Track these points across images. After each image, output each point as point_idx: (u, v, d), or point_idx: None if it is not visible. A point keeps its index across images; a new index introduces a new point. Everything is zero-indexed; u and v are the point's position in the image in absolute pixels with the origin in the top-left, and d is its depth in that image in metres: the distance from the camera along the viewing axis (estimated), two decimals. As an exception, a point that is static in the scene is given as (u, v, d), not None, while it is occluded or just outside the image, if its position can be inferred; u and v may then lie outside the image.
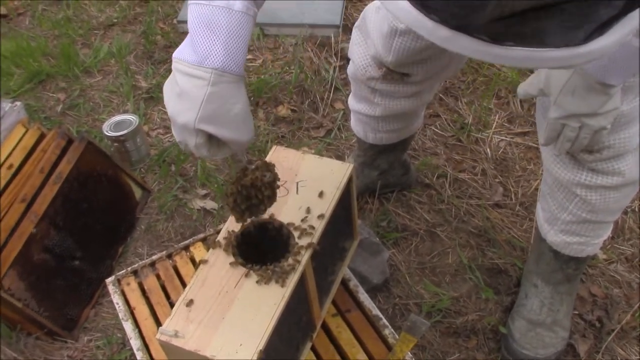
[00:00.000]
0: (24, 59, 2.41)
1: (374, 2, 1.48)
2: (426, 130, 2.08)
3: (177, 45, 2.37)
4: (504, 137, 2.05)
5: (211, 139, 0.98)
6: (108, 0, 2.77)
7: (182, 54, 0.95)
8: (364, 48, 1.47)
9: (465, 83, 2.24)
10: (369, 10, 1.47)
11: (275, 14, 2.54)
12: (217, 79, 0.92)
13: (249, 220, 1.16)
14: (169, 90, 0.98)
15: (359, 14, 2.56)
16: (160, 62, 2.42)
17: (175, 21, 2.58)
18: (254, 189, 1.10)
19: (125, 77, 2.35)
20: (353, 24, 2.44)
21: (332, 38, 2.45)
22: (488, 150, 2.01)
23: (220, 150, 1.01)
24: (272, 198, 1.13)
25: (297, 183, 1.25)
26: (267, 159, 1.29)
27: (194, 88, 0.93)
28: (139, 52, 2.48)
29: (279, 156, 1.30)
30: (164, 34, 2.54)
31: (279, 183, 1.14)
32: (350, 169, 1.26)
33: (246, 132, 0.98)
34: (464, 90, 2.22)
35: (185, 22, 2.55)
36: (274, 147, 1.32)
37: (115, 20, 2.66)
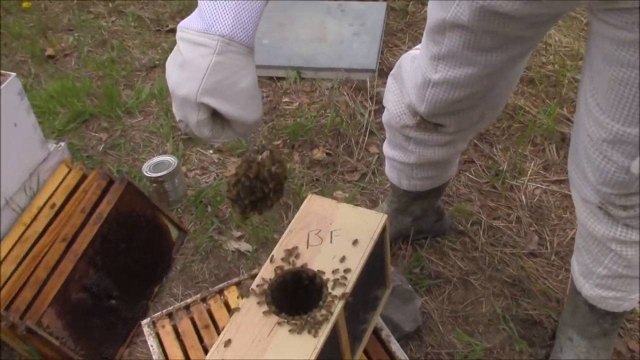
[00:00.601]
0: (69, 99, 2.49)
1: (410, 51, 1.50)
2: (460, 176, 2.09)
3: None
4: (539, 185, 2.04)
5: (215, 118, 0.92)
6: (151, 42, 2.86)
7: (187, 23, 0.88)
8: (399, 96, 1.49)
9: (500, 129, 2.24)
10: (405, 59, 1.50)
11: (313, 58, 2.59)
12: (224, 47, 0.85)
13: (251, 215, 1.08)
14: (172, 62, 0.91)
15: (395, 59, 2.60)
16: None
17: (215, 64, 2.64)
18: (259, 181, 1.02)
19: (166, 118, 2.41)
20: (389, 68, 2.49)
21: (368, 82, 2.48)
22: (523, 197, 2.00)
23: (224, 131, 0.94)
24: (279, 193, 1.05)
25: (332, 232, 1.26)
26: (303, 207, 1.31)
27: (198, 57, 0.86)
28: (179, 93, 2.54)
29: (314, 204, 1.32)
30: (204, 76, 2.60)
31: (282, 180, 1.05)
32: (384, 220, 1.27)
33: (252, 111, 0.91)
34: (499, 136, 2.22)
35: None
36: (309, 196, 1.34)
37: (158, 62, 2.74)
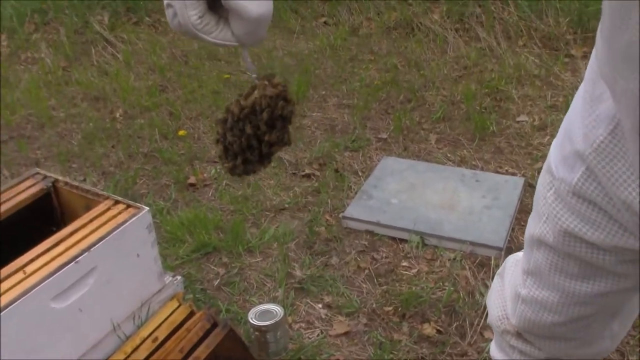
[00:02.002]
0: (198, 229, 2.60)
1: (517, 253, 1.40)
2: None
3: (338, 240, 2.42)
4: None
5: (211, 12, 0.77)
6: (285, 185, 2.96)
7: None
8: (501, 299, 1.38)
9: (635, 339, 2.02)
10: (510, 261, 1.40)
11: (439, 225, 2.54)
12: None
13: (240, 172, 0.82)
14: None
15: (526, 239, 2.49)
16: (318, 254, 2.48)
17: (341, 215, 2.67)
18: (255, 115, 0.78)
19: (283, 263, 2.43)
20: (518, 248, 2.37)
21: (493, 260, 2.38)
22: None
23: (218, 28, 0.77)
24: (280, 134, 0.79)
25: None
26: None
27: None
28: (301, 240, 2.57)
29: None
30: (328, 227, 2.63)
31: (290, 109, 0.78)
32: None
33: (257, 3, 0.73)
34: (633, 346, 2.00)
35: (352, 218, 2.60)
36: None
37: (287, 206, 2.81)
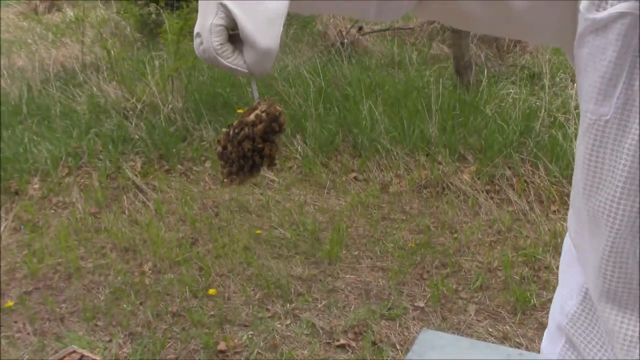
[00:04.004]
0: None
1: None
2: None
3: None
4: None
5: (230, 38, 0.91)
6: (319, 357, 2.82)
7: None
8: None
9: None
10: None
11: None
12: None
13: (236, 181, 0.98)
14: None
15: None
16: None
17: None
18: (253, 129, 0.96)
19: None
20: None
21: None
22: None
23: (233, 55, 0.91)
24: (272, 148, 0.96)
25: None
26: None
27: None
28: None
29: None
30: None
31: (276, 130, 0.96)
32: None
33: (267, 37, 0.88)
34: None
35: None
36: None
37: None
